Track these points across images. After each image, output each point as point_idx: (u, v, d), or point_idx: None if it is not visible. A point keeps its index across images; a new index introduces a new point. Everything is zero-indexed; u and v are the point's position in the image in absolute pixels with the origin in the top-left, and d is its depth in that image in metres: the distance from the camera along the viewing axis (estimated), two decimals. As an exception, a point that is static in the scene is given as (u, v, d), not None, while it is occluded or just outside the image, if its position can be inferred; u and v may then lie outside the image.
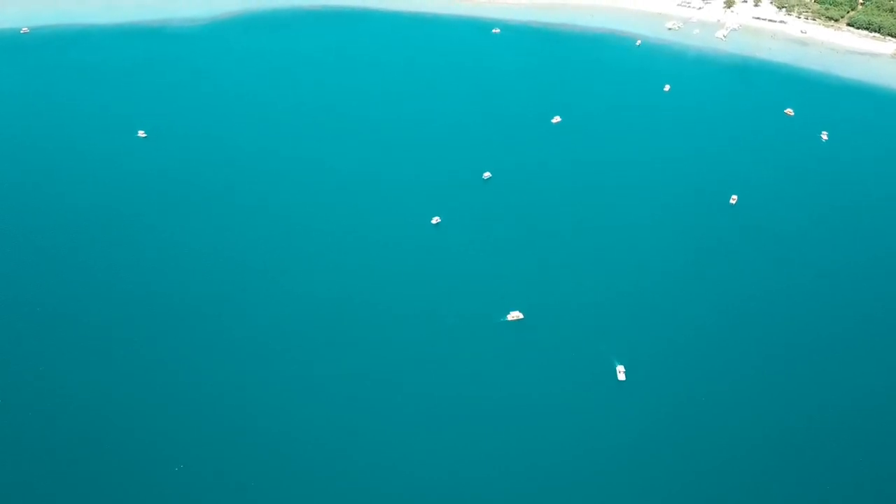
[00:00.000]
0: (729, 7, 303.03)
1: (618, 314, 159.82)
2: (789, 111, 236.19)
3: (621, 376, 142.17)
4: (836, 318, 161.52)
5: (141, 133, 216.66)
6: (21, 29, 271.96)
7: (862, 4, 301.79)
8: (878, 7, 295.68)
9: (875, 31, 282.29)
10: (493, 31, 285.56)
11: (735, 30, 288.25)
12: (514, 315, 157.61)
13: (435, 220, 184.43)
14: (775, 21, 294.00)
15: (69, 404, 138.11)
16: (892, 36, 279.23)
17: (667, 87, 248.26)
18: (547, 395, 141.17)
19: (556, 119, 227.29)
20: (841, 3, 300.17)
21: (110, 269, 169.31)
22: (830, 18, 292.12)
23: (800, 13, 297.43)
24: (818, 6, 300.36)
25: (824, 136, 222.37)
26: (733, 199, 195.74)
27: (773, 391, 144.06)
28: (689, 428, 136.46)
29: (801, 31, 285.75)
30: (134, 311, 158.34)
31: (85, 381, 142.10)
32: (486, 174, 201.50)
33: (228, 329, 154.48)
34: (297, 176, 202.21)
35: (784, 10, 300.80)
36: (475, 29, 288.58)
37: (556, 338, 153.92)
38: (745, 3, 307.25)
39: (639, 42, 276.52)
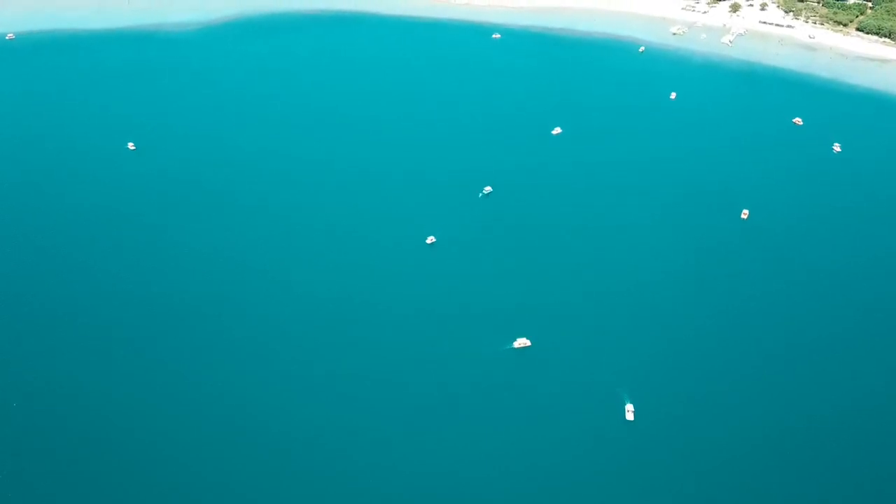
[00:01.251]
0: (735, 11, 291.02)
1: (628, 342, 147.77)
2: (798, 120, 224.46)
3: (629, 416, 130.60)
4: (867, 354, 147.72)
5: (131, 145, 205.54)
6: (6, 35, 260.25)
7: (871, 9, 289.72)
8: (887, 12, 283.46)
9: (885, 37, 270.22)
10: (494, 36, 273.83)
11: (741, 35, 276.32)
12: (521, 342, 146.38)
13: (430, 239, 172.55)
14: (782, 26, 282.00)
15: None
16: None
17: (673, 95, 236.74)
18: (551, 435, 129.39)
19: (557, 130, 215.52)
20: (849, 8, 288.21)
21: (102, 278, 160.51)
22: (839, 23, 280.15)
23: (807, 17, 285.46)
24: (826, 10, 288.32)
25: (837, 147, 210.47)
26: (744, 213, 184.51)
27: (798, 443, 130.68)
28: (700, 477, 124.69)
29: (810, 37, 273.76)
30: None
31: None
32: (487, 188, 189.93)
33: (208, 372, 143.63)
34: (287, 190, 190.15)
35: (791, 14, 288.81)
36: (475, 34, 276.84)
37: (564, 368, 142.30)
38: (751, 7, 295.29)
39: (642, 49, 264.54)
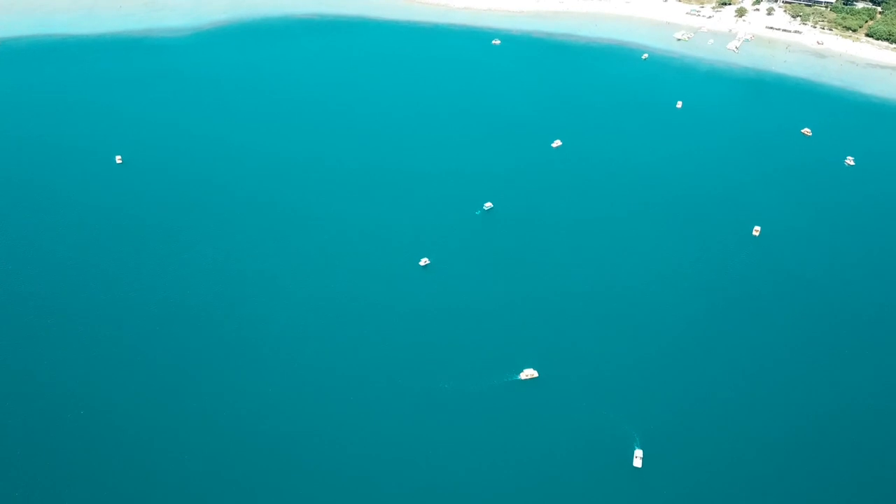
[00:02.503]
0: (741, 16, 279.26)
1: (639, 375, 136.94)
2: (807, 131, 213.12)
3: (637, 462, 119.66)
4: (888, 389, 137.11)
5: (118, 158, 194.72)
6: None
7: (881, 13, 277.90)
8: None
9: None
10: (493, 42, 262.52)
11: (748, 40, 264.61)
12: (529, 373, 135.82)
13: (423, 261, 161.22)
14: (790, 31, 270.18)
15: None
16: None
17: (679, 104, 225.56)
18: (556, 479, 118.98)
19: (557, 143, 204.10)
20: (858, 13, 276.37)
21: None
22: (848, 28, 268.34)
23: (815, 22, 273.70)
24: (834, 15, 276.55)
25: (850, 161, 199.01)
26: (756, 230, 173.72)
27: (816, 491, 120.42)
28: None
29: (818, 43, 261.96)
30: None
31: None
32: (488, 204, 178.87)
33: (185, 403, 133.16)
34: (275, 207, 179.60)
35: (798, 19, 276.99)
36: (474, 40, 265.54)
37: (573, 403, 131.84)
38: (757, 12, 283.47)
39: (645, 56, 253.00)
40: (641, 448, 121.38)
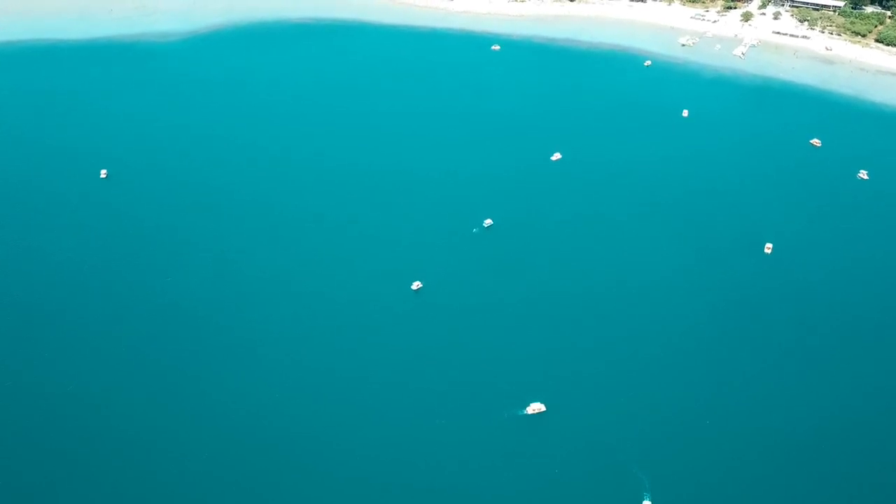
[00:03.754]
0: (747, 20, 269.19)
1: (650, 410, 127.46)
2: (816, 141, 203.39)
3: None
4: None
5: (103, 173, 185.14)
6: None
7: (890, 18, 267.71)
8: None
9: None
10: (493, 47, 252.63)
11: (755, 46, 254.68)
12: (536, 407, 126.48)
13: (416, 284, 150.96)
14: (797, 36, 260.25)
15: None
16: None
17: (685, 113, 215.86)
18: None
19: (557, 156, 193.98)
20: (867, 17, 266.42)
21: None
22: (857, 33, 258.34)
23: (823, 27, 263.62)
24: (843, 20, 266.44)
25: (863, 174, 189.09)
26: (768, 247, 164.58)
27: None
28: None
29: (826, 48, 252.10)
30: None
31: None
32: (488, 221, 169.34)
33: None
34: (262, 217, 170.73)
35: (806, 23, 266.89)
36: (473, 45, 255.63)
37: (580, 441, 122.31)
38: (763, 16, 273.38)
39: (648, 62, 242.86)
40: (651, 497, 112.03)
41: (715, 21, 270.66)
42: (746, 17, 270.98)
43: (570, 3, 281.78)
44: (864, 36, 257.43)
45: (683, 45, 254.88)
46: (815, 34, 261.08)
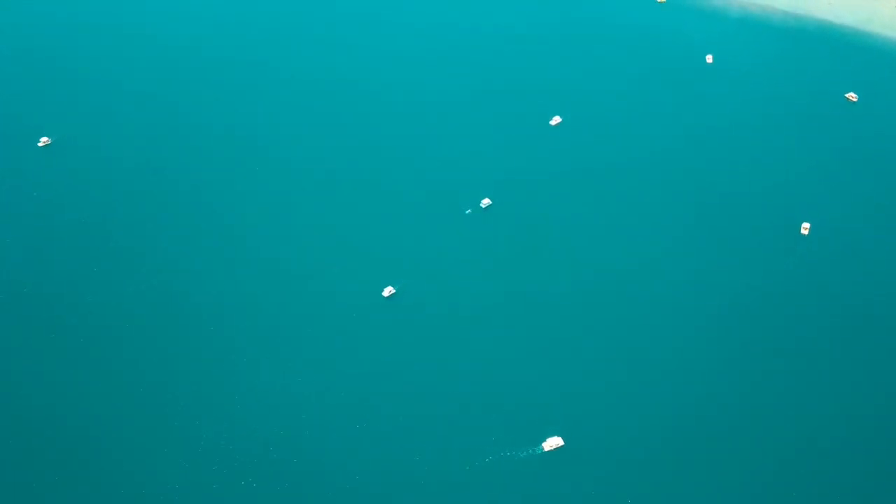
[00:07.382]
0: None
1: (678, 440, 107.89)
2: (851, 95, 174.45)
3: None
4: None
5: (43, 140, 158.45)
6: None
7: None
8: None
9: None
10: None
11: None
12: (553, 442, 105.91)
13: (387, 290, 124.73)
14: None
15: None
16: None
17: (709, 59, 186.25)
18: None
19: (556, 119, 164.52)
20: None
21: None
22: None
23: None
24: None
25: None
26: (805, 228, 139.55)
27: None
28: None
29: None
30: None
31: None
32: (486, 201, 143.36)
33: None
34: (196, 206, 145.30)
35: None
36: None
37: (602, 481, 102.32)
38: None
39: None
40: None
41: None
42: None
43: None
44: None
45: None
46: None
